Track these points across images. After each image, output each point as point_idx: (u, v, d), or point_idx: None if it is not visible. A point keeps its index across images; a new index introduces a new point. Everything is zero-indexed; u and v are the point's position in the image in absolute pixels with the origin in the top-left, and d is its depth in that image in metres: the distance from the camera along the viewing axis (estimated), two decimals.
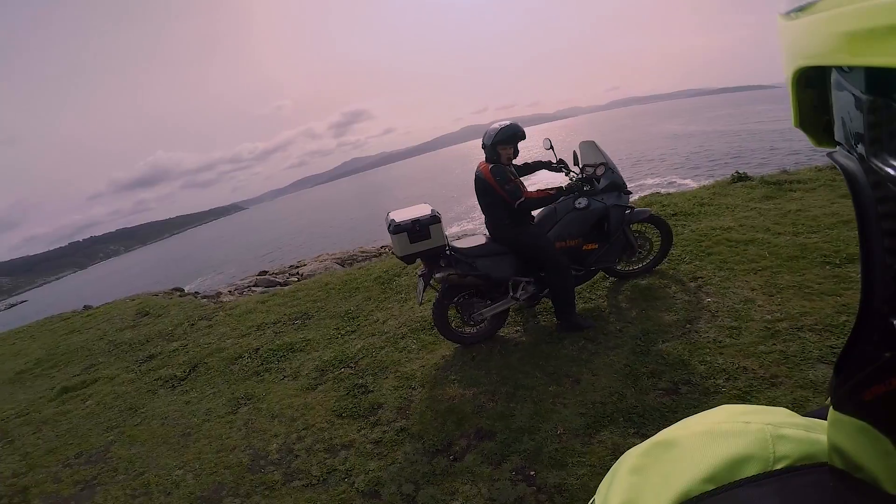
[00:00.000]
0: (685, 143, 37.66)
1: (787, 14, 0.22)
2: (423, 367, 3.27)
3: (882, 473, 0.21)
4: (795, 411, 0.33)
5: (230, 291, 7.90)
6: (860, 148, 0.20)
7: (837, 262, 3.15)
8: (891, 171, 0.18)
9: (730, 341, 2.66)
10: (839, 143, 0.23)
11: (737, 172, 6.03)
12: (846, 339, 0.23)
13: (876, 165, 0.19)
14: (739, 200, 4.94)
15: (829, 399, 0.25)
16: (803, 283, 3.02)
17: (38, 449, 3.57)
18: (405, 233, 2.96)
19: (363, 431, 2.77)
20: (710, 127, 50.97)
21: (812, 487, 0.24)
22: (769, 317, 2.77)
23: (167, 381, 4.18)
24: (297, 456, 2.70)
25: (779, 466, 0.25)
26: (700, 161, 26.73)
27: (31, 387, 5.08)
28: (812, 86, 0.24)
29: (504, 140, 3.08)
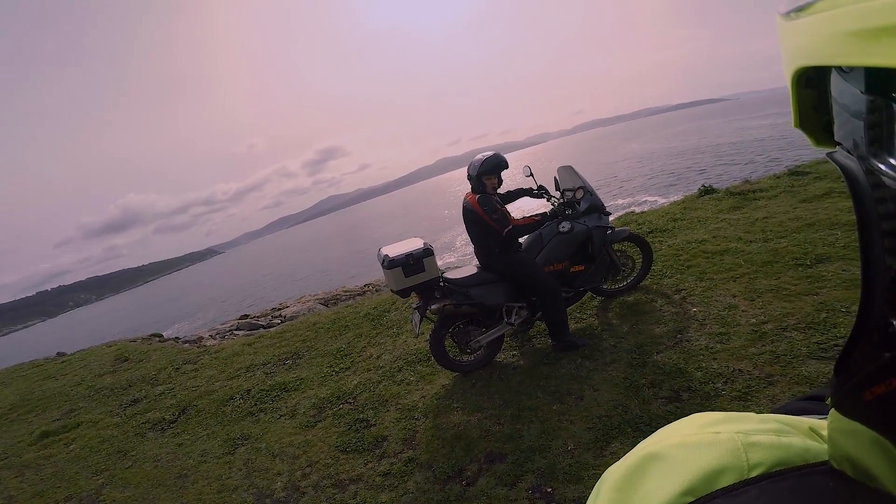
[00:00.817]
0: (649, 162, 39.22)
1: (787, 14, 0.22)
2: (424, 397, 3.27)
3: (883, 473, 0.21)
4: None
5: (212, 336, 7.69)
6: (860, 148, 0.21)
7: (808, 263, 3.34)
8: (891, 171, 0.18)
9: (721, 346, 2.77)
10: (839, 144, 0.24)
11: (703, 186, 6.33)
12: (845, 338, 0.23)
13: (876, 165, 0.19)
14: (709, 213, 5.19)
15: (829, 399, 0.25)
16: (780, 285, 3.19)
17: (23, 493, 3.40)
18: (399, 267, 3.02)
19: (370, 465, 2.73)
20: (669, 144, 53.35)
21: (790, 492, 0.24)
22: (754, 320, 2.90)
23: (156, 424, 4.05)
24: (304, 493, 2.64)
25: (754, 474, 0.25)
26: (665, 178, 27.85)
27: (6, 431, 4.83)
28: (812, 86, 0.25)
29: (488, 171, 3.19)
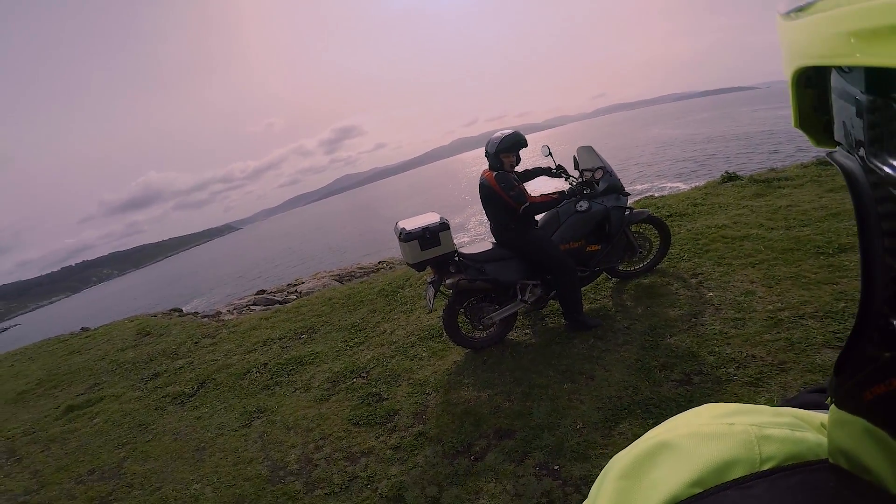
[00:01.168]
0: (670, 148, 38.30)
1: (787, 14, 0.22)
2: (436, 373, 3.31)
3: (884, 473, 0.21)
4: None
5: (230, 311, 7.86)
6: (860, 148, 0.21)
7: (831, 252, 3.26)
8: (891, 171, 0.18)
9: (735, 332, 2.74)
10: (839, 144, 0.24)
11: (726, 173, 6.19)
12: (847, 335, 0.23)
13: (876, 165, 0.19)
14: (731, 199, 5.07)
15: (829, 397, 0.25)
16: (800, 273, 3.12)
17: (49, 466, 3.54)
18: (416, 240, 3.03)
19: (381, 438, 2.79)
20: (693, 130, 51.92)
21: (800, 487, 0.24)
22: (771, 307, 2.86)
23: (175, 397, 4.17)
24: (316, 465, 2.72)
25: (765, 467, 0.25)
26: (687, 164, 27.22)
27: (34, 406, 5.03)
28: (812, 86, 0.25)
29: (507, 148, 3.17)
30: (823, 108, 0.25)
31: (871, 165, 0.20)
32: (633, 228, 3.71)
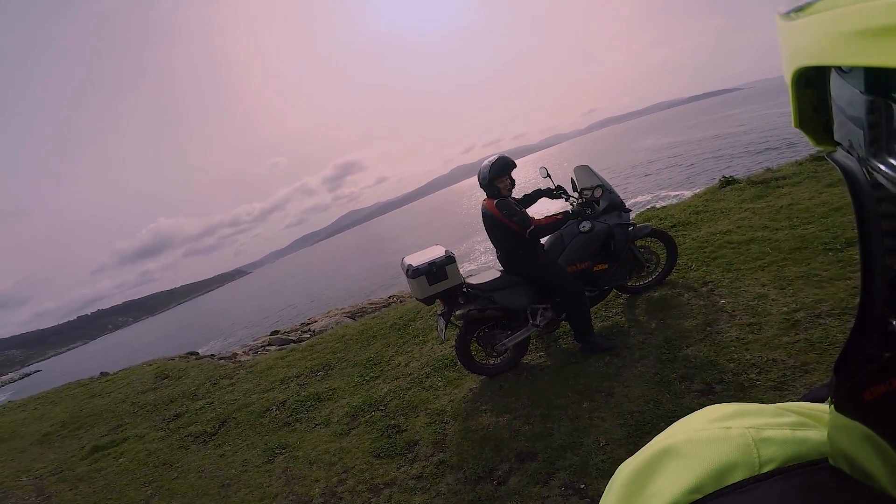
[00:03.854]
0: (666, 157, 38.36)
1: (787, 14, 0.22)
2: (453, 401, 3.30)
3: (883, 473, 0.21)
4: None
5: (245, 352, 7.92)
6: (860, 148, 0.20)
7: (838, 247, 3.25)
8: (890, 171, 0.18)
9: (753, 337, 2.72)
10: (839, 144, 0.23)
11: (724, 177, 6.21)
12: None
13: (875, 165, 0.19)
14: (732, 204, 5.09)
15: (830, 399, 0.25)
16: (811, 272, 3.11)
17: None
18: (423, 276, 3.07)
19: (403, 468, 2.78)
20: (685, 137, 52.10)
21: (799, 489, 0.23)
22: (786, 308, 2.84)
23: (198, 436, 4.20)
24: (341, 498, 2.70)
25: (765, 470, 0.25)
26: (684, 171, 27.24)
27: (59, 447, 5.11)
28: (812, 86, 0.25)
29: (498, 174, 3.19)
30: (823, 108, 0.25)
31: (871, 165, 0.20)
32: (639, 243, 3.72)
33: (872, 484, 0.22)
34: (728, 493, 0.24)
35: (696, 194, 6.31)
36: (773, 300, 3.00)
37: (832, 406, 0.24)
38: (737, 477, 0.25)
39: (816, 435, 0.27)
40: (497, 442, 2.68)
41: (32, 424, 6.35)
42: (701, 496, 0.25)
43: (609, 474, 1.64)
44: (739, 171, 7.84)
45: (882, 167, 0.19)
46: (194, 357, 8.13)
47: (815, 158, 5.57)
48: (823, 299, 2.77)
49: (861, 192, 0.21)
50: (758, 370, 2.44)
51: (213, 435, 4.16)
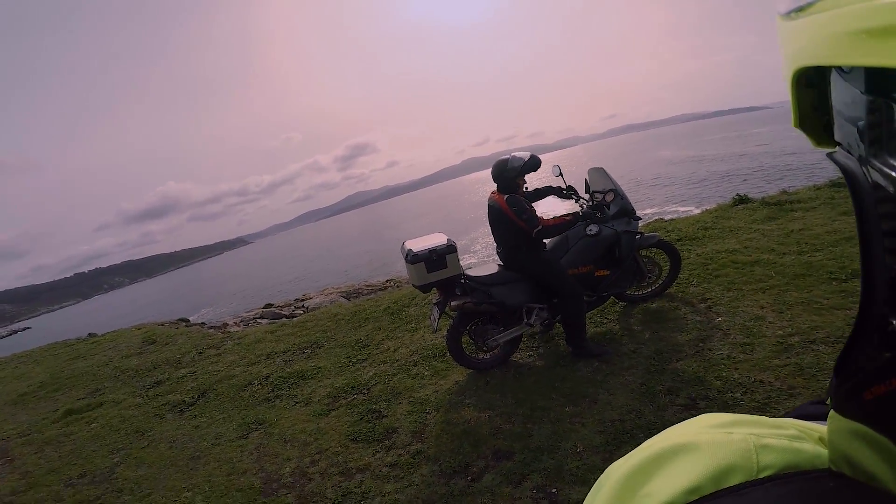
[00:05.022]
0: (681, 170, 38.08)
1: (787, 14, 0.22)
2: (437, 392, 3.27)
3: (884, 473, 0.21)
4: None
5: (236, 323, 7.91)
6: (860, 148, 0.21)
7: (843, 277, 3.19)
8: (891, 171, 0.18)
9: (744, 357, 2.68)
10: (839, 144, 0.24)
11: (738, 195, 6.12)
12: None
13: (876, 166, 0.19)
14: (742, 223, 5.01)
15: (829, 400, 0.25)
16: (811, 299, 3.05)
17: (40, 468, 3.56)
18: (422, 262, 3.02)
19: (378, 455, 2.75)
20: (705, 151, 51.69)
21: (797, 494, 0.23)
22: (781, 332, 2.79)
23: (175, 406, 4.18)
24: (311, 479, 2.68)
25: (762, 475, 0.25)
26: (697, 187, 27.04)
27: (33, 409, 5.08)
28: (812, 86, 0.25)
29: (527, 172, 3.13)
30: (823, 109, 0.24)
31: (872, 166, 0.20)
32: (643, 253, 3.65)
33: (874, 484, 0.22)
34: (725, 496, 0.24)
35: (706, 210, 6.23)
36: (769, 322, 2.95)
37: (832, 407, 0.25)
38: (735, 480, 0.25)
39: (811, 448, 0.27)
40: (476, 437, 2.65)
41: (10, 384, 6.31)
42: (698, 497, 0.25)
43: (582, 481, 1.59)
44: (755, 191, 7.76)
45: (883, 167, 0.19)
46: (184, 324, 8.13)
47: (834, 185, 5.47)
48: (820, 326, 2.72)
49: (861, 192, 0.21)
50: (743, 390, 2.40)
51: (192, 405, 4.13)
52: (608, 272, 3.38)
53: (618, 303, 3.82)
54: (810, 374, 2.34)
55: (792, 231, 4.32)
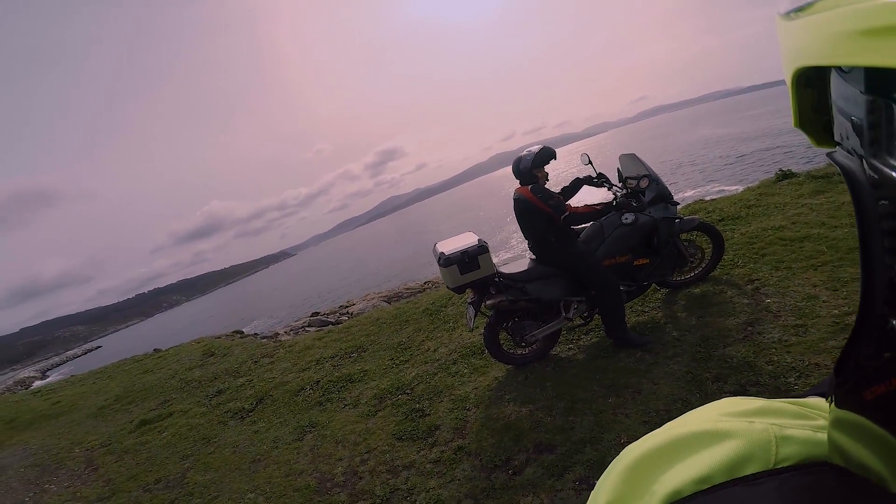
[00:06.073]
0: (720, 148, 36.08)
1: (787, 14, 0.22)
2: (477, 389, 3.30)
3: (884, 472, 0.21)
4: None
5: (286, 332, 8.25)
6: (860, 148, 0.20)
7: None
8: (891, 171, 0.18)
9: (796, 339, 2.55)
10: (839, 144, 0.23)
11: (781, 170, 5.81)
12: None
13: (876, 166, 0.19)
14: (788, 198, 4.76)
15: (829, 397, 0.25)
16: None
17: (121, 476, 3.87)
18: (455, 265, 3.02)
19: (422, 452, 2.82)
20: (742, 128, 48.79)
21: (811, 487, 0.23)
22: (836, 311, 2.64)
23: (236, 413, 4.43)
24: (361, 478, 2.78)
25: (779, 467, 0.24)
26: (738, 164, 25.59)
27: (112, 420, 5.53)
28: (812, 86, 0.24)
29: (540, 163, 3.11)
30: (823, 109, 0.24)
31: (872, 165, 0.20)
32: (684, 237, 3.53)
33: (871, 477, 0.22)
34: (736, 485, 0.24)
35: (748, 188, 5.94)
36: (823, 302, 2.79)
37: (832, 405, 0.24)
38: (749, 470, 0.24)
39: None
40: (517, 431, 2.67)
41: (90, 398, 6.89)
42: (708, 486, 0.24)
43: None
44: (800, 165, 7.31)
45: (882, 167, 0.19)
46: (239, 336, 8.56)
47: None
48: None
49: (861, 192, 0.21)
50: (797, 374, 2.30)
51: (251, 412, 4.37)
52: (648, 260, 3.29)
53: (660, 290, 3.72)
54: None
55: (843, 203, 4.06)
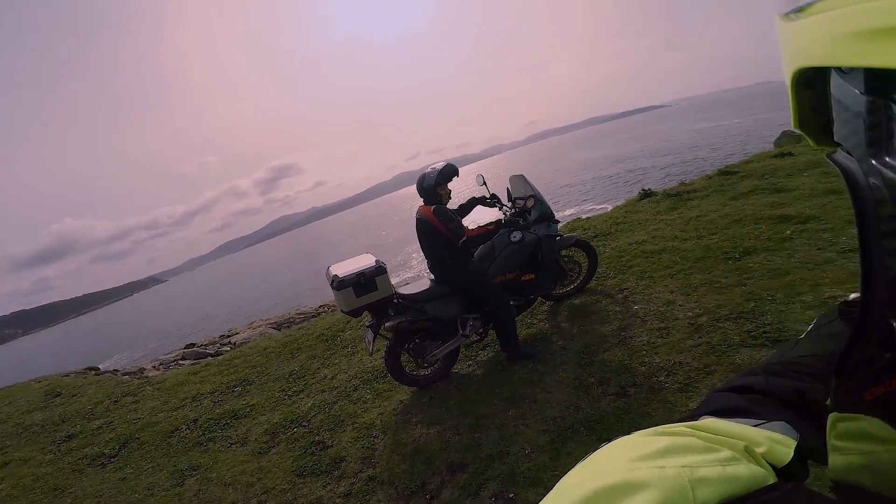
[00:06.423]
0: (595, 170, 40.86)
1: (787, 15, 0.22)
2: (382, 414, 3.22)
3: (884, 471, 0.21)
4: None
5: (154, 366, 7.24)
6: (860, 149, 0.21)
7: (737, 256, 3.61)
8: (891, 171, 0.18)
9: (661, 341, 2.92)
10: (839, 144, 0.24)
11: (643, 190, 6.69)
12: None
13: (875, 166, 0.19)
14: (648, 215, 5.49)
15: (829, 401, 0.25)
16: (713, 279, 3.41)
17: None
18: (350, 287, 2.93)
19: (329, 487, 2.66)
20: (615, 151, 55.75)
21: None
22: (690, 314, 3.08)
23: (95, 458, 3.80)
24: None
25: None
26: (608, 184, 29.16)
27: None
28: (811, 86, 0.25)
29: (444, 180, 3.20)
30: (823, 109, 0.24)
31: (871, 166, 0.20)
32: (563, 252, 3.87)
33: (871, 484, 0.22)
34: None
35: (617, 206, 6.72)
36: (679, 306, 3.24)
37: (831, 408, 0.24)
38: None
39: (746, 471, 0.26)
40: (428, 454, 2.65)
41: None
42: None
43: (536, 481, 1.65)
44: (658, 184, 8.51)
45: (882, 168, 0.19)
46: (93, 373, 7.29)
47: (723, 173, 6.18)
48: (723, 304, 3.04)
49: (861, 192, 0.21)
50: (666, 373, 2.61)
51: (113, 457, 3.76)
52: (534, 276, 3.53)
53: (545, 302, 4.01)
54: (721, 352, 2.60)
55: (691, 218, 4.80)
